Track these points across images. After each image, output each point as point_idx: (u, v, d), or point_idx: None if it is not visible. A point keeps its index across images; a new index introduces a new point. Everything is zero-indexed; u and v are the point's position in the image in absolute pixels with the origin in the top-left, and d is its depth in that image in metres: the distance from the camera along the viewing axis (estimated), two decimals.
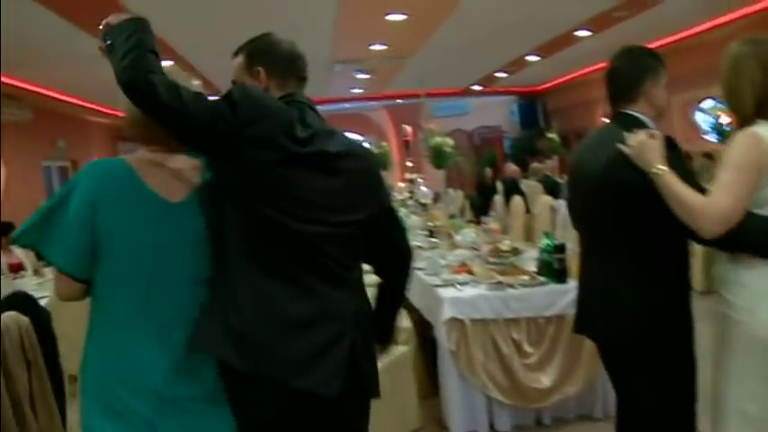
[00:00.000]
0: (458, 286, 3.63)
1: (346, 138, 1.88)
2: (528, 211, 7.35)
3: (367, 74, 11.48)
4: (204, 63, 8.67)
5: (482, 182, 12.79)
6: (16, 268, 6.22)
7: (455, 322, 3.43)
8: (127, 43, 1.58)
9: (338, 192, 1.77)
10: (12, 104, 9.06)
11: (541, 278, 3.59)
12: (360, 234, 1.82)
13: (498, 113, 16.38)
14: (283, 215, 1.67)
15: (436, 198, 11.22)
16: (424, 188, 7.98)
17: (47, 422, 2.87)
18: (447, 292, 3.57)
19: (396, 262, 2.00)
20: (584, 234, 2.26)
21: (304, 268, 1.72)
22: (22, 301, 3.18)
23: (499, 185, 10.50)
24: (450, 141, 5.35)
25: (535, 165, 11.07)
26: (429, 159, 5.50)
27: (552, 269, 3.56)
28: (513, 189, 9.72)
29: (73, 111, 10.27)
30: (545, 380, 3.46)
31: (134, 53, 1.57)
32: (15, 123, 9.31)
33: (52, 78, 8.62)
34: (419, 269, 4.26)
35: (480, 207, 8.62)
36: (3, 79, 8.25)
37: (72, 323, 3.79)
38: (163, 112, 1.59)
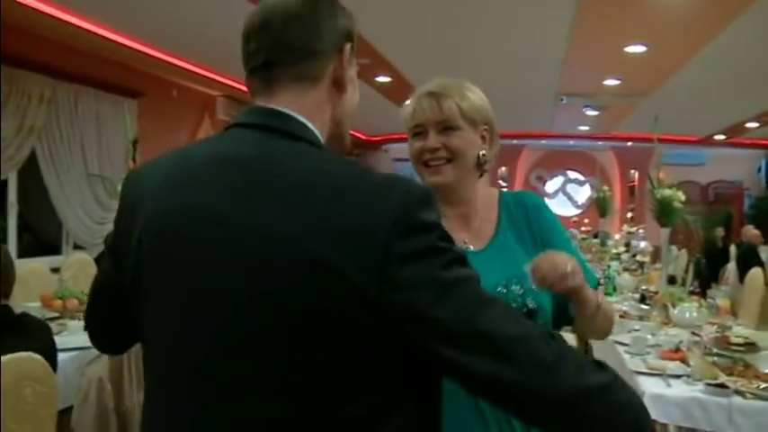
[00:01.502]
0: (667, 379, 2.89)
1: None
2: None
3: (596, 110, 10.68)
4: (423, 81, 8.47)
5: (711, 244, 11.37)
6: None
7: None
8: None
9: None
10: (239, 108, 9.46)
11: None
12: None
13: (741, 168, 14.56)
14: None
15: (655, 255, 10.10)
16: (643, 243, 7.10)
17: None
18: (651, 385, 2.84)
19: None
20: None
21: None
22: None
23: (733, 250, 9.19)
24: (681, 196, 4.54)
25: None
26: (653, 213, 4.71)
27: None
28: (750, 257, 8.42)
29: None
30: None
31: None
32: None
33: None
34: (621, 344, 3.57)
35: (707, 275, 7.50)
36: (232, 83, 8.64)
37: None
38: None
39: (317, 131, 1.07)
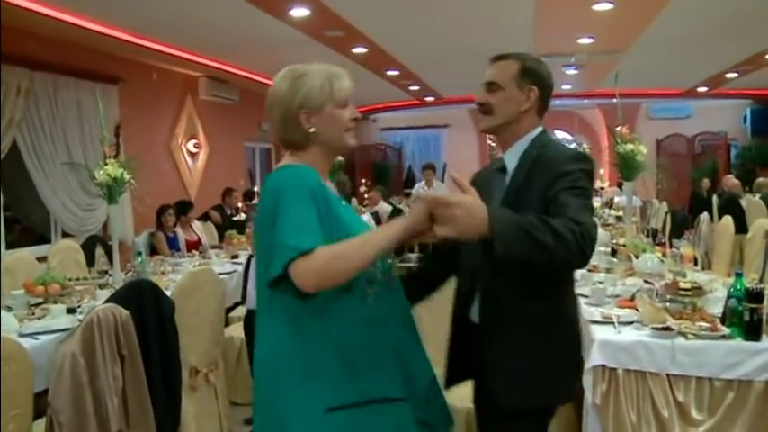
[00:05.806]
0: (617, 326, 3.03)
1: None
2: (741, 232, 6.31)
3: (576, 69, 10.73)
4: (400, 50, 8.58)
5: (697, 195, 11.52)
6: (193, 246, 6.47)
7: (605, 371, 2.85)
8: None
9: None
10: (222, 88, 9.55)
11: (725, 330, 2.88)
12: None
13: (726, 119, 14.58)
14: None
15: (643, 210, 10.22)
16: (620, 197, 7.21)
17: (138, 415, 2.77)
18: (601, 332, 2.98)
19: None
20: None
21: None
22: (144, 291, 3.13)
23: (715, 200, 9.31)
24: (643, 150, 4.63)
25: (761, 179, 9.65)
26: (617, 168, 4.83)
27: (741, 321, 2.84)
28: (730, 206, 8.54)
29: None
30: None
31: None
32: (223, 105, 9.82)
33: (255, 63, 8.94)
34: (582, 296, 3.69)
35: (683, 225, 7.61)
36: (213, 63, 8.70)
37: (195, 315, 3.74)
38: None
39: None
